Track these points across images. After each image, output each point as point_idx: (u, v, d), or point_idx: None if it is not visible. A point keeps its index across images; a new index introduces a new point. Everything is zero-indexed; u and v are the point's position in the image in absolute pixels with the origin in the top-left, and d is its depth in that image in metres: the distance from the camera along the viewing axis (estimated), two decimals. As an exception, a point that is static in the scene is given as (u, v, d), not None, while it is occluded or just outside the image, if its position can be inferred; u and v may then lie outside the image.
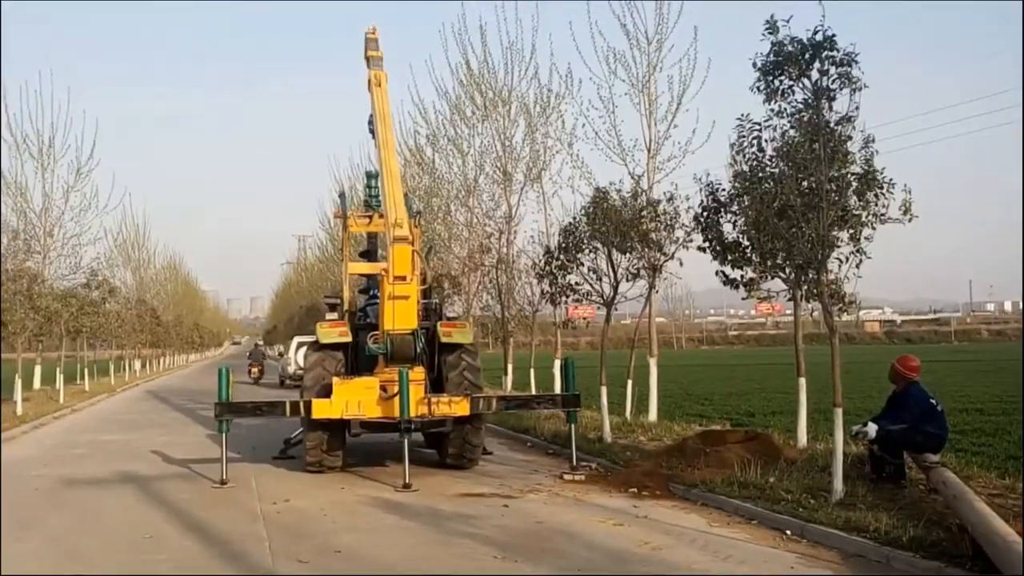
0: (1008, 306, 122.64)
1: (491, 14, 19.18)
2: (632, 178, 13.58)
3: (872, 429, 7.93)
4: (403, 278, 10.41)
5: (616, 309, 13.62)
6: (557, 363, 16.96)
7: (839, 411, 7.80)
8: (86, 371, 29.48)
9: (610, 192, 12.60)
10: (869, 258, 7.89)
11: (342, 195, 16.41)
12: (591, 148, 15.63)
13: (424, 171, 22.60)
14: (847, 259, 7.96)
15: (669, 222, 12.41)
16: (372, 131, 13.13)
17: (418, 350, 10.52)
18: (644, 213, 12.45)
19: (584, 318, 17.22)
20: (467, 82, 20.00)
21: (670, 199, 12.47)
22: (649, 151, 15.24)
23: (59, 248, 24.35)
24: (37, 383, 26.78)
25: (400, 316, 10.50)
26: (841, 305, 8.86)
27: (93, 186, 23.96)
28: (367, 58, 13.42)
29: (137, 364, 41.30)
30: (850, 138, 8.43)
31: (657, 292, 13.45)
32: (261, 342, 55.11)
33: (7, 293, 19.49)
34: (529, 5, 20.09)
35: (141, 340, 39.97)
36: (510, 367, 19.37)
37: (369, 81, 13.06)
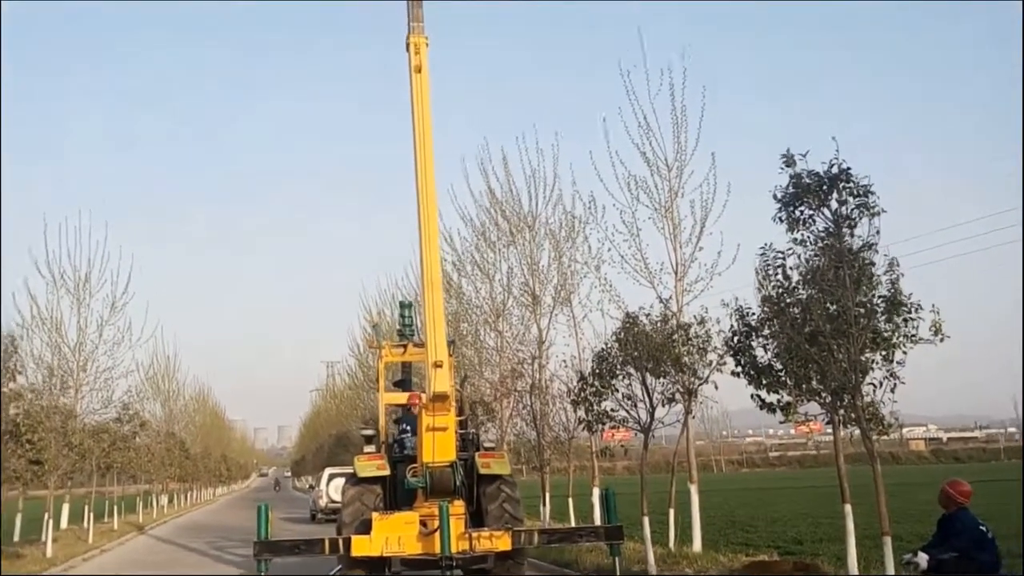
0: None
1: (512, 144, 20.29)
2: (661, 302, 13.91)
3: (923, 559, 7.86)
4: (443, 397, 10.63)
5: (653, 437, 13.71)
6: (596, 491, 16.85)
7: (888, 540, 7.80)
8: (115, 508, 29.55)
9: (640, 317, 12.97)
10: (902, 382, 8.08)
11: (375, 326, 17.04)
12: (618, 272, 16.11)
13: (452, 296, 23.24)
14: (881, 383, 8.16)
15: (701, 345, 12.68)
16: None
17: (457, 483, 10.68)
18: (675, 337, 12.77)
19: (621, 443, 17.19)
20: (491, 208, 20.91)
21: (700, 322, 12.80)
22: (676, 274, 15.64)
23: (91, 382, 24.79)
24: (64, 522, 26.86)
25: (439, 448, 10.73)
26: (880, 428, 9.01)
27: (127, 319, 24.69)
28: None
29: (164, 499, 41.24)
30: (872, 263, 8.85)
31: (694, 416, 13.56)
32: (288, 473, 54.89)
33: (42, 431, 19.91)
34: (548, 135, 21.31)
35: (170, 474, 40.08)
36: (548, 496, 19.22)
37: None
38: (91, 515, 25.02)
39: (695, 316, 13.23)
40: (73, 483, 27.16)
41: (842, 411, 8.83)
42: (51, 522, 20.46)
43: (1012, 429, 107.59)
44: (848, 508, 10.10)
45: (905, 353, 8.35)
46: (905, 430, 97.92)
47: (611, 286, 16.19)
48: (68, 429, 21.09)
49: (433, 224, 11.89)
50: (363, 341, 33.99)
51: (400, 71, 13.38)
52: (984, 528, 8.09)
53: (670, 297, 15.13)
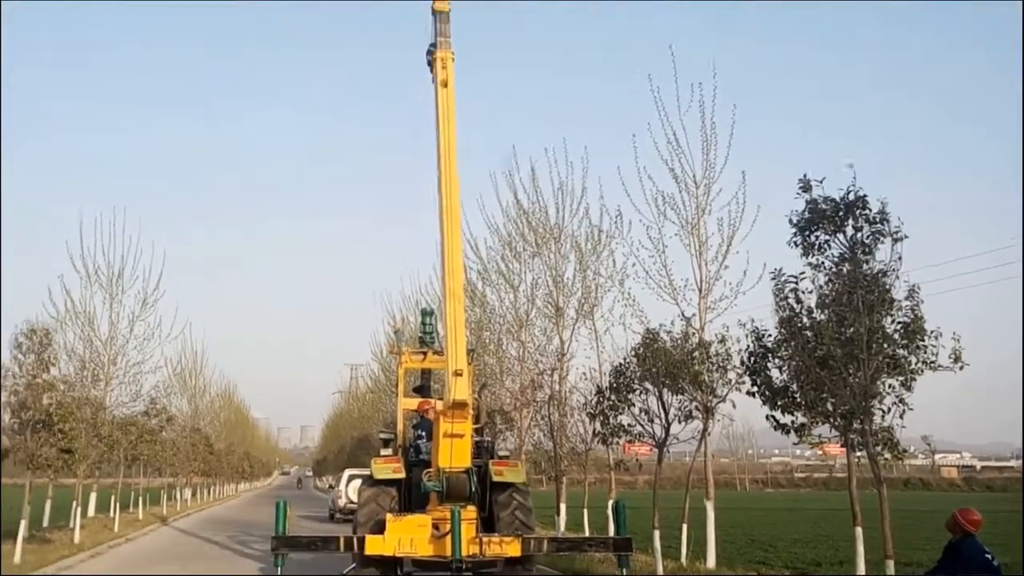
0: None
1: (541, 155, 20.54)
2: (683, 318, 14.06)
3: (926, 583, 7.98)
4: (462, 405, 10.87)
5: (668, 453, 13.86)
6: (611, 504, 17.00)
7: (891, 563, 7.93)
8: (140, 499, 30.26)
9: (660, 333, 13.16)
10: (911, 408, 8.21)
11: (397, 332, 17.39)
12: (642, 287, 16.26)
13: (476, 304, 23.52)
14: (890, 409, 8.29)
15: (721, 363, 12.83)
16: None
17: (472, 489, 10.94)
18: (696, 355, 12.93)
19: (636, 459, 17.27)
20: (518, 219, 21.19)
21: (721, 340, 12.95)
22: (700, 291, 15.77)
23: (120, 376, 25.35)
24: (92, 510, 27.56)
25: (456, 454, 11.01)
26: (895, 453, 9.13)
27: (157, 316, 25.21)
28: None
29: (188, 492, 42.03)
30: (888, 289, 8.98)
31: (709, 434, 13.68)
32: (310, 473, 55.56)
33: (73, 421, 20.54)
34: (578, 148, 21.60)
35: (194, 468, 40.86)
36: (563, 507, 19.40)
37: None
38: (118, 505, 25.67)
39: (716, 334, 13.38)
40: (101, 473, 27.90)
41: (855, 435, 8.95)
42: (79, 510, 21.07)
43: None
44: (859, 531, 10.22)
45: (913, 379, 8.44)
46: (938, 456, 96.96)
47: (634, 301, 16.39)
48: (98, 421, 21.75)
49: (455, 236, 12.06)
50: (386, 346, 34.45)
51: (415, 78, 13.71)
52: (990, 556, 8.17)
53: (693, 315, 15.30)
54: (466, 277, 23.74)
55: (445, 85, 13.04)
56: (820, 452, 13.32)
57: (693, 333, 13.68)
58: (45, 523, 22.99)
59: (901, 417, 8.35)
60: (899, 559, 13.87)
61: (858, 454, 9.98)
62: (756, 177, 15.12)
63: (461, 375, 11.03)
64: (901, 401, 8.28)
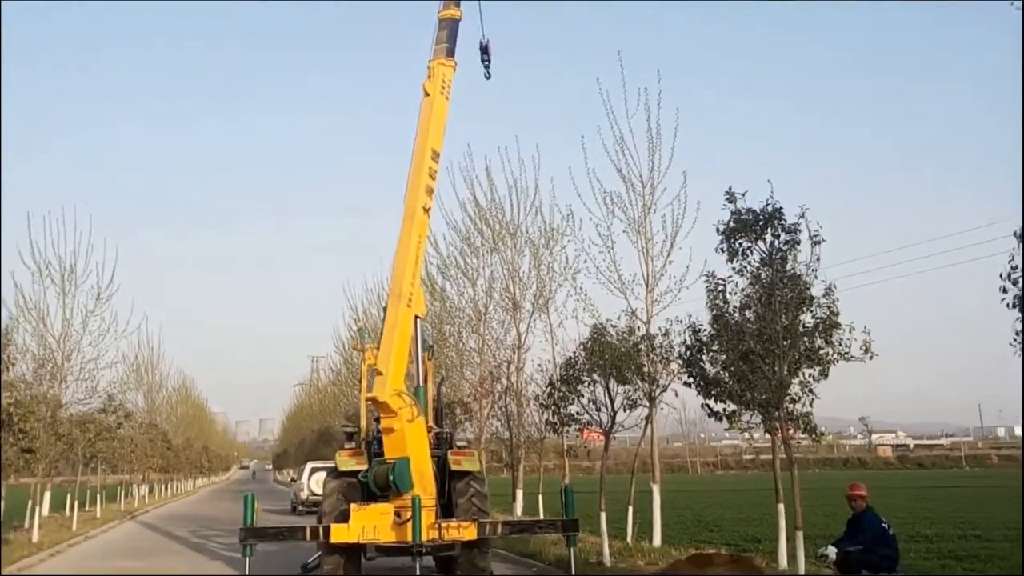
0: (1018, 430, 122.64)
1: (495, 153, 21.50)
2: (627, 314, 15.09)
3: (832, 552, 9.17)
4: (378, 402, 11.76)
5: (614, 438, 14.95)
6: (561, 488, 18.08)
7: (799, 534, 9.07)
8: (98, 497, 30.53)
9: (607, 328, 14.21)
10: (818, 397, 9.36)
11: (360, 329, 18.12)
12: (593, 282, 17.27)
13: (436, 298, 24.40)
14: (799, 398, 9.43)
15: (664, 355, 13.92)
16: None
17: (390, 479, 11.69)
18: (641, 347, 14.01)
19: (585, 445, 18.40)
20: (475, 216, 22.11)
21: (665, 333, 14.04)
22: (647, 286, 16.86)
23: (76, 373, 25.04)
24: (47, 509, 27.65)
25: (389, 446, 11.97)
26: (814, 436, 10.32)
27: (112, 311, 25.04)
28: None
29: (145, 489, 42.20)
30: (807, 288, 10.13)
31: (649, 421, 14.78)
32: (269, 466, 55.93)
33: (33, 421, 20.86)
34: (530, 146, 22.58)
35: (151, 465, 41.07)
36: (520, 492, 20.46)
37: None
38: (75, 503, 25.96)
39: (660, 328, 14.46)
40: (57, 471, 28.03)
41: (774, 421, 10.09)
42: (38, 509, 21.35)
43: (970, 438, 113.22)
44: (781, 507, 11.39)
45: (829, 363, 9.57)
46: (874, 437, 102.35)
47: (586, 295, 17.43)
48: (56, 419, 22.06)
49: (408, 239, 12.73)
50: (348, 338, 35.12)
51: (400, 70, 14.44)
52: (886, 526, 9.40)
53: (640, 308, 16.35)
54: (426, 272, 24.63)
55: (427, 94, 13.62)
56: (748, 437, 14.52)
57: (638, 327, 14.73)
58: (-1, 523, 23.11)
59: (810, 405, 9.49)
60: (822, 532, 15.27)
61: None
62: (698, 178, 16.15)
63: (381, 375, 11.94)
64: (809, 391, 9.42)
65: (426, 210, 13.18)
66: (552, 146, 22.05)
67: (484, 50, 14.88)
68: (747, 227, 9.50)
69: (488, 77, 15.02)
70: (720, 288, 10.02)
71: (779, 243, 9.48)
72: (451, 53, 14.02)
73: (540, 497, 19.82)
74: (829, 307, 10.31)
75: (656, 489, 15.89)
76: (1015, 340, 7.76)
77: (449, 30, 14.15)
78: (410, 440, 11.82)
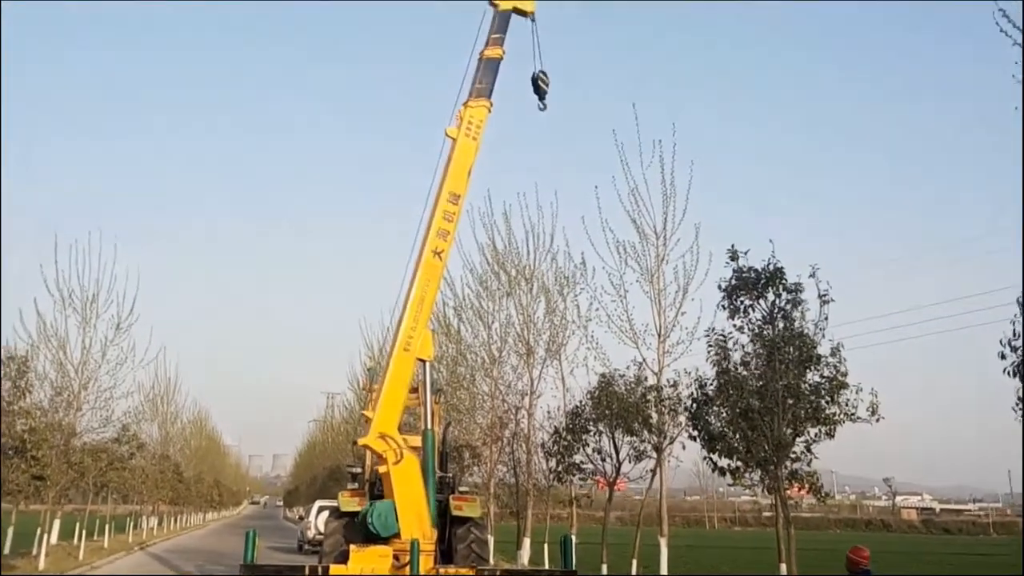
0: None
1: (514, 199, 21.90)
2: (635, 364, 15.22)
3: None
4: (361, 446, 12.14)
5: (628, 488, 15.01)
6: (573, 538, 18.04)
7: (796, 596, 9.09)
8: (107, 527, 30.70)
9: (614, 378, 14.36)
10: (816, 458, 9.45)
11: (372, 369, 18.38)
12: (605, 331, 17.41)
13: (451, 340, 24.64)
14: (799, 457, 9.53)
15: (672, 407, 14.03)
16: None
17: (369, 521, 11.94)
18: (649, 398, 14.13)
19: (589, 495, 18.36)
20: (492, 260, 22.45)
21: (673, 385, 14.17)
22: (659, 336, 16.98)
23: (92, 402, 25.22)
24: (55, 537, 27.81)
25: (386, 489, 12.24)
26: (819, 496, 10.38)
27: (131, 340, 25.28)
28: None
29: (154, 520, 42.31)
30: (814, 347, 10.27)
31: (653, 473, 14.82)
32: (280, 503, 55.82)
33: (46, 448, 21.17)
34: (548, 193, 23.00)
35: (162, 496, 41.21)
36: (527, 540, 20.38)
37: None
38: (84, 532, 26.14)
39: (668, 380, 14.58)
40: (67, 499, 28.24)
41: (773, 479, 10.16)
42: (46, 537, 21.58)
43: (998, 504, 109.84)
44: (783, 566, 11.40)
45: (835, 424, 9.67)
46: (899, 499, 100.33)
47: (597, 343, 17.55)
48: (69, 447, 22.36)
49: (419, 283, 12.71)
50: (362, 376, 35.38)
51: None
52: (882, 590, 9.36)
53: (642, 360, 16.33)
54: (442, 313, 24.92)
55: (451, 137, 13.41)
56: (753, 495, 14.50)
57: (645, 378, 14.83)
58: (7, 550, 23.33)
59: (809, 464, 9.56)
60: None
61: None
62: (713, 229, 16.37)
63: (368, 420, 12.23)
64: (808, 450, 9.51)
65: (437, 254, 12.98)
66: (567, 199, 22.42)
67: (536, 80, 14.57)
68: (749, 285, 9.70)
69: (543, 108, 14.66)
70: (721, 344, 10.18)
71: (780, 302, 9.66)
72: (488, 94, 13.81)
73: (546, 546, 19.75)
74: (836, 366, 10.43)
75: (663, 542, 15.84)
76: (1016, 407, 7.81)
77: (489, 69, 13.94)
78: (396, 482, 12.03)
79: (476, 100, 13.75)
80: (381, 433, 11.97)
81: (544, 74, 14.55)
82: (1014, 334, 7.79)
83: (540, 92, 14.63)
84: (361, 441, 12.06)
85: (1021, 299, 7.74)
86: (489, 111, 13.77)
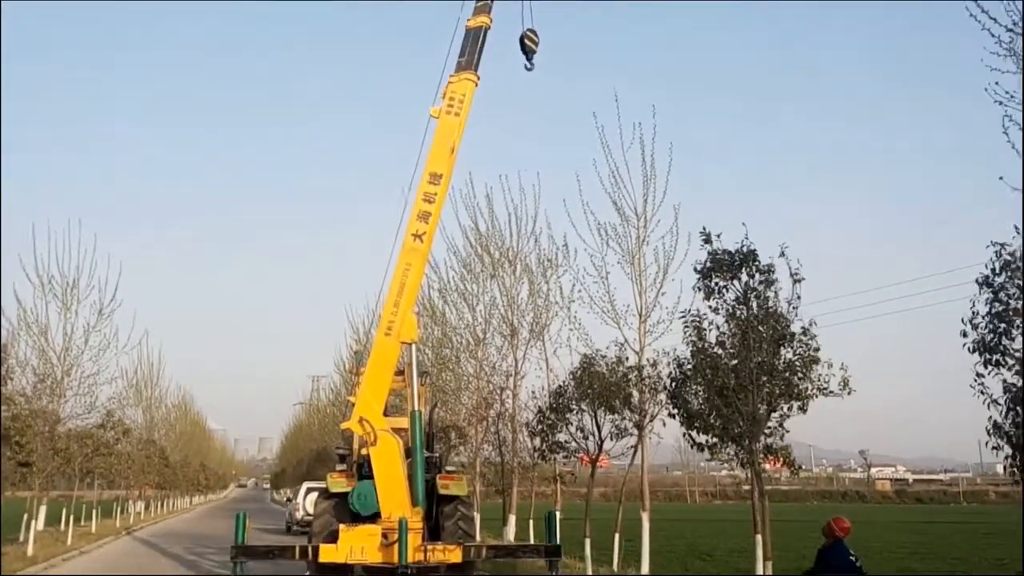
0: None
1: (495, 181, 22.13)
2: (617, 344, 15.62)
3: (799, 582, 9.65)
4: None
5: (611, 465, 15.48)
6: (557, 515, 18.54)
7: (769, 564, 9.57)
8: (94, 512, 30.98)
9: (596, 358, 14.75)
10: (787, 431, 9.89)
11: (357, 352, 18.68)
12: (587, 312, 17.78)
13: (435, 322, 24.95)
14: (771, 432, 9.96)
15: (653, 385, 14.45)
16: None
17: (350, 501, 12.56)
18: (630, 377, 14.54)
19: (572, 472, 18.84)
20: (475, 242, 22.72)
21: (654, 364, 14.58)
22: (640, 316, 17.38)
23: (75, 388, 25.10)
24: (42, 523, 27.95)
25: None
26: (792, 469, 10.83)
27: (113, 326, 25.07)
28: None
29: (140, 505, 42.59)
30: (787, 325, 10.69)
31: (633, 449, 15.26)
32: (268, 486, 56.22)
33: (30, 435, 21.37)
34: (531, 175, 23.27)
35: (148, 481, 41.49)
36: (512, 517, 20.89)
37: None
38: (71, 518, 26.38)
39: (649, 359, 14.99)
40: (53, 486, 28.42)
41: (748, 453, 10.61)
42: (34, 523, 21.78)
43: (968, 474, 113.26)
44: (759, 538, 11.87)
45: (799, 405, 10.11)
46: (874, 470, 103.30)
47: (580, 324, 17.93)
48: (54, 434, 22.53)
49: (399, 266, 12.71)
50: (348, 359, 35.67)
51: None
52: (853, 558, 9.85)
53: (624, 340, 16.74)
54: (428, 295, 25.20)
55: (436, 116, 13.01)
56: (730, 469, 15.02)
57: (626, 358, 15.24)
58: (-5, 536, 23.51)
59: (781, 439, 10.01)
60: (805, 563, 15.67)
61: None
62: (694, 210, 16.70)
63: (352, 404, 12.69)
64: (780, 425, 9.95)
65: (418, 236, 12.77)
66: (549, 181, 22.65)
67: (523, 39, 14.14)
68: (723, 267, 10.08)
69: (530, 68, 14.23)
70: (696, 324, 10.58)
71: (754, 283, 10.05)
72: (475, 67, 13.29)
73: (531, 522, 20.25)
74: (808, 343, 10.85)
75: (645, 516, 16.32)
76: (975, 383, 8.21)
77: (476, 40, 13.42)
78: (376, 463, 12.42)
79: (460, 73, 13.26)
80: (360, 417, 12.34)
81: (533, 32, 14.15)
82: (974, 312, 8.20)
83: (527, 51, 14.22)
84: (344, 425, 12.64)
85: (980, 278, 8.16)
86: (476, 85, 13.24)
